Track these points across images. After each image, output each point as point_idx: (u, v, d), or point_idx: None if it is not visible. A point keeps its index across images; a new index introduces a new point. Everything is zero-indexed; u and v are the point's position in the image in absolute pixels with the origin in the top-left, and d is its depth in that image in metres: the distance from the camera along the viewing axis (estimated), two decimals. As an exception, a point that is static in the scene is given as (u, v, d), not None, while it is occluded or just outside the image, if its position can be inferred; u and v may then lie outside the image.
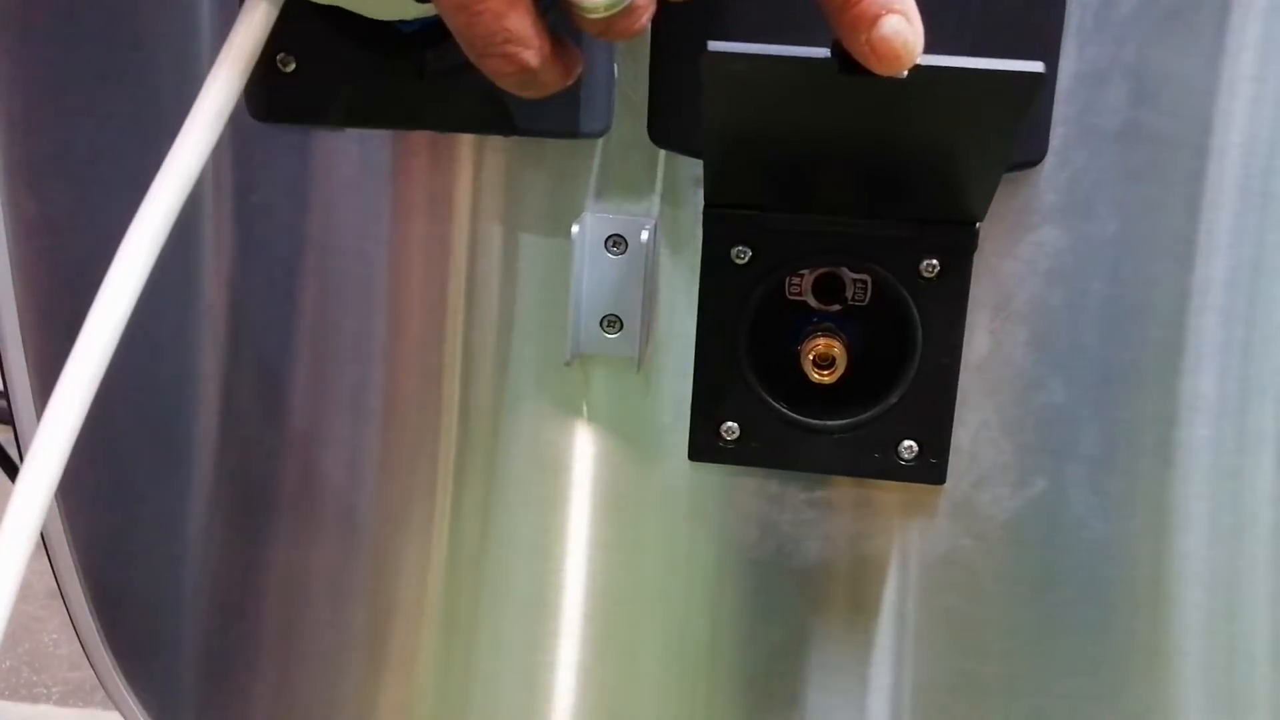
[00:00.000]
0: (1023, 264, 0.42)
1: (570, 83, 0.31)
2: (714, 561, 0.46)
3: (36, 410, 0.48)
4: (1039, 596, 0.44)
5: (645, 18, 0.29)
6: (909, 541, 0.45)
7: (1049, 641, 0.45)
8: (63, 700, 1.66)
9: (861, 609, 0.45)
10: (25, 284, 0.46)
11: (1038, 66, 0.32)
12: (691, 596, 0.46)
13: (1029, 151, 0.41)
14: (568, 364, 0.43)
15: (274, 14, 0.32)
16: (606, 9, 0.28)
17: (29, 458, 0.29)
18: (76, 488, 0.48)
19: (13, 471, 0.68)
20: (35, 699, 1.63)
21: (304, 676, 0.48)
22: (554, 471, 0.45)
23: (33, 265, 0.46)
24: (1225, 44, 0.39)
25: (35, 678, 1.66)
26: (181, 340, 0.46)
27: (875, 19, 0.28)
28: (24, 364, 0.48)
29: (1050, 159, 0.41)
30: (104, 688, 0.52)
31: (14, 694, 1.71)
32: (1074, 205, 0.41)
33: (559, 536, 0.46)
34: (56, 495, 0.49)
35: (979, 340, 0.43)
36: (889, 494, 0.45)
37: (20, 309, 0.47)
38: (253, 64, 0.31)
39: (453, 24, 0.28)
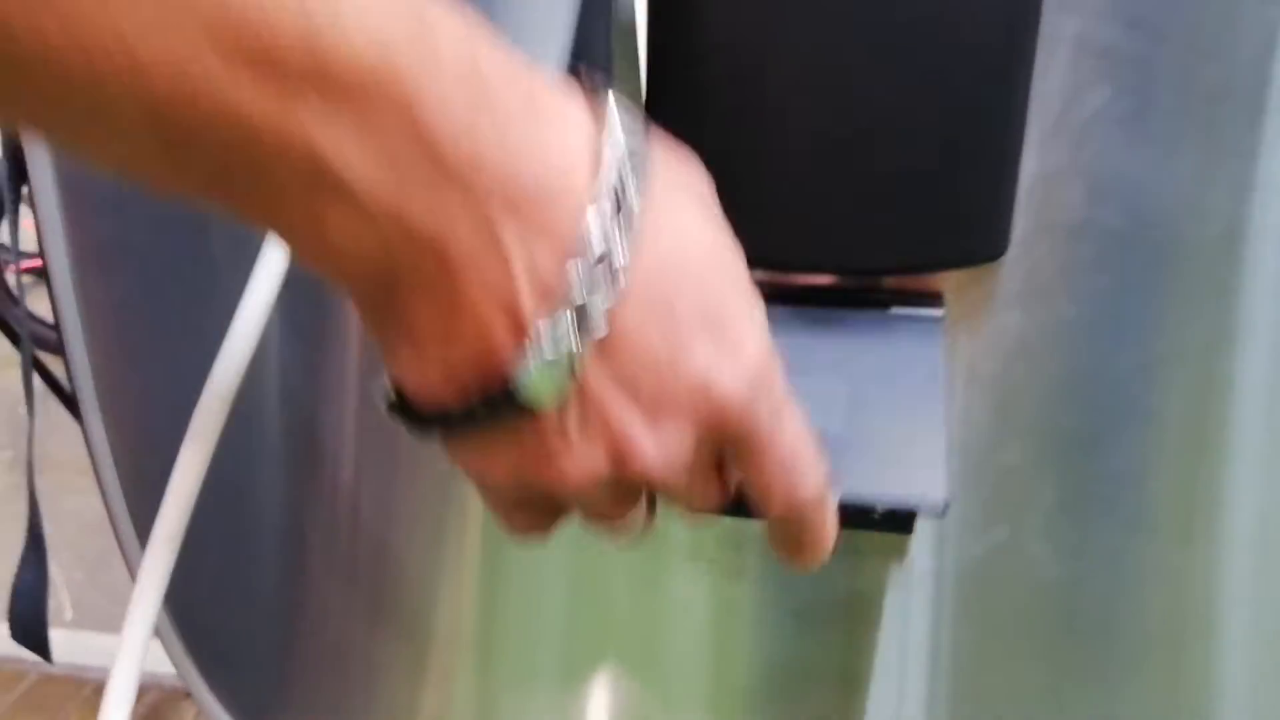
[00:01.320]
0: (988, 342, 0.46)
1: None
2: (719, 599, 0.52)
3: (128, 509, 0.55)
4: (1001, 629, 0.50)
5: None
6: (895, 579, 0.50)
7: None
8: (142, 631, 1.79)
9: (854, 637, 0.51)
10: (99, 365, 0.52)
11: (938, 502, 0.36)
12: (711, 626, 0.52)
13: (992, 247, 0.44)
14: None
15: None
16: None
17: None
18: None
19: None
20: (118, 630, 1.76)
21: (350, 691, 0.56)
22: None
23: (105, 345, 0.52)
24: (1176, 146, 0.43)
25: (114, 610, 1.79)
26: (246, 407, 0.53)
27: (804, 563, 0.32)
28: (105, 438, 0.54)
29: (1013, 250, 0.44)
30: (189, 686, 0.60)
31: (97, 625, 1.85)
32: (1035, 292, 0.45)
33: (589, 579, 0.52)
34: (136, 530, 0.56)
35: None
36: (874, 539, 0.50)
37: (97, 390, 0.53)
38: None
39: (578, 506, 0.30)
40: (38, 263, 0.51)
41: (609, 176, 0.25)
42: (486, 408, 0.25)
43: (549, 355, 0.24)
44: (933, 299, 0.46)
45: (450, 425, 0.26)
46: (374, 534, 0.54)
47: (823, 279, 0.46)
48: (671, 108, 0.43)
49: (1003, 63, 0.42)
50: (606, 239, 0.24)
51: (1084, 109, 0.43)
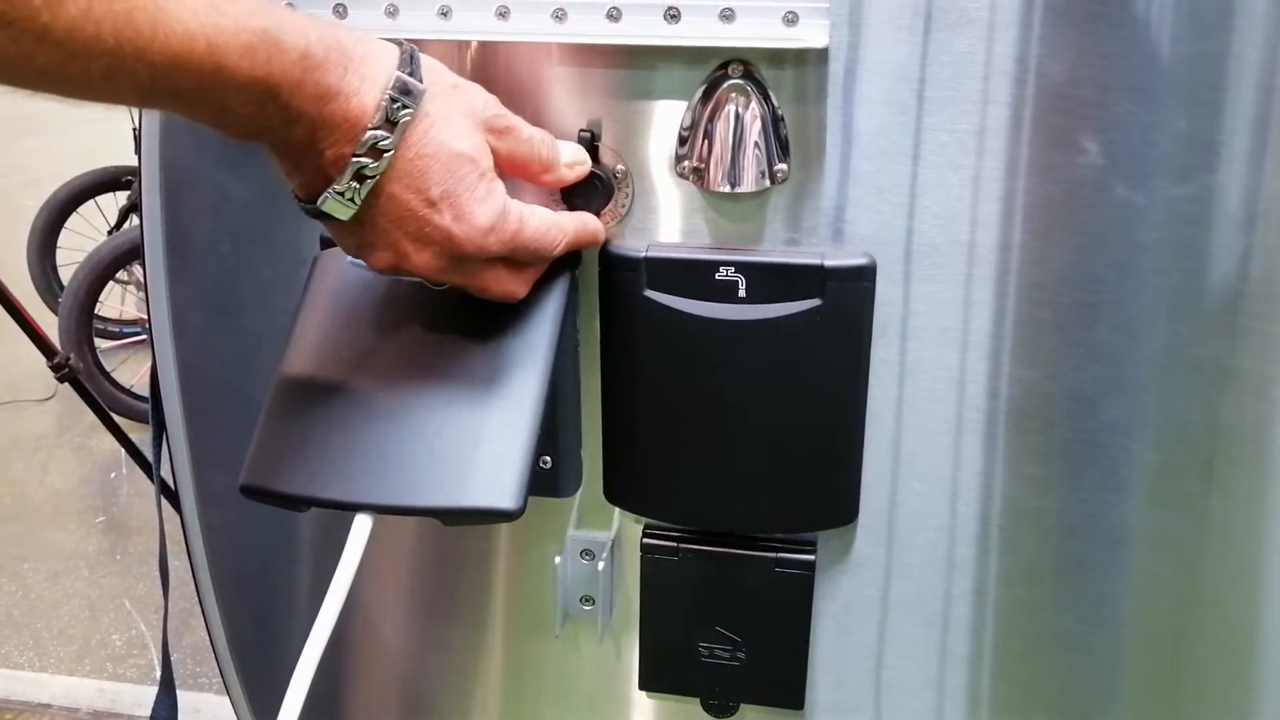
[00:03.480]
0: (851, 577, 0.64)
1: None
2: None
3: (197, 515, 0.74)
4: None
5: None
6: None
7: None
8: (222, 690, 1.99)
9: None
10: (196, 458, 0.72)
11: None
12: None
13: (846, 517, 0.63)
14: (557, 636, 0.68)
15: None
16: None
17: None
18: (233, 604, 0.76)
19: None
20: (200, 688, 1.95)
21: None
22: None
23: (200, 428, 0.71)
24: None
25: (198, 669, 1.99)
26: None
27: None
28: (196, 517, 0.74)
29: (861, 515, 0.63)
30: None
31: (180, 684, 2.05)
32: (875, 543, 0.63)
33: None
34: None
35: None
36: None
37: (193, 478, 0.73)
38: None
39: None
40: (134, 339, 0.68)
41: (385, 109, 0.48)
42: (315, 214, 0.51)
43: (337, 193, 0.49)
44: (809, 547, 0.64)
45: (314, 217, 0.51)
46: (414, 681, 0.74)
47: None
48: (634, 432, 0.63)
49: (843, 398, 0.60)
50: (377, 141, 0.48)
51: (907, 421, 0.61)
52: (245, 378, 0.69)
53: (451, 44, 0.59)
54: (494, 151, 0.53)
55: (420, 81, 0.49)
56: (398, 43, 0.50)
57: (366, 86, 0.48)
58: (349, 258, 0.59)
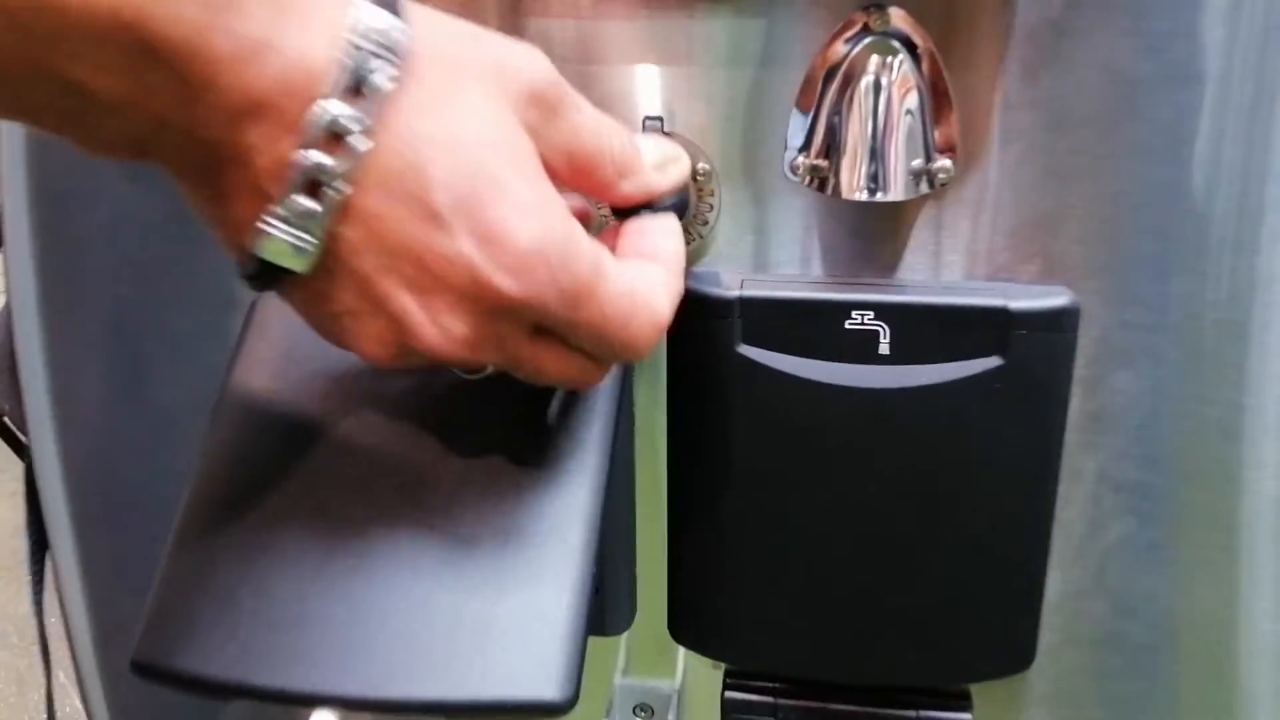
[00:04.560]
0: (1017, 739, 0.46)
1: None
2: None
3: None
4: None
5: None
6: None
7: None
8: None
9: None
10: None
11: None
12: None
13: (1019, 663, 0.44)
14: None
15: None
16: None
17: None
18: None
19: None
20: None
21: None
22: None
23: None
24: (1203, 570, 0.43)
25: None
26: None
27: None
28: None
29: (1041, 658, 0.44)
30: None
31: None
32: (1062, 696, 0.45)
33: None
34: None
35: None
36: None
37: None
38: None
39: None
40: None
41: (347, 64, 0.27)
42: (256, 269, 0.29)
43: (279, 220, 0.28)
44: (962, 701, 0.45)
45: (253, 281, 0.30)
46: None
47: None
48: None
49: (1025, 501, 0.42)
50: (337, 120, 0.27)
51: (1107, 536, 0.43)
52: (156, 473, 0.49)
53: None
54: (542, 144, 0.32)
55: (405, 21, 0.29)
56: None
57: (312, 32, 0.27)
58: None
